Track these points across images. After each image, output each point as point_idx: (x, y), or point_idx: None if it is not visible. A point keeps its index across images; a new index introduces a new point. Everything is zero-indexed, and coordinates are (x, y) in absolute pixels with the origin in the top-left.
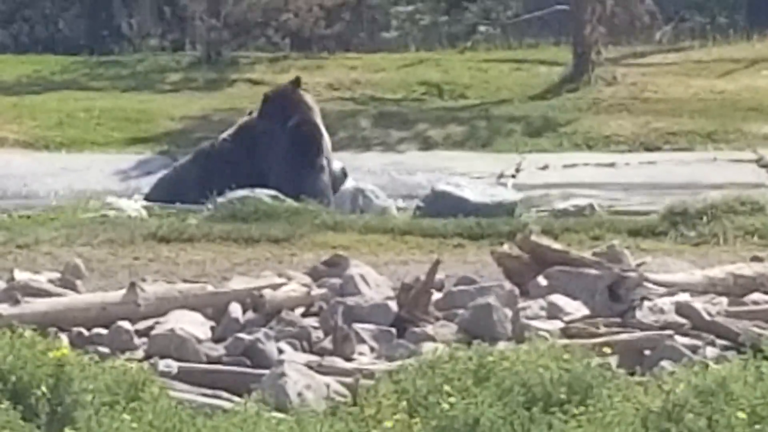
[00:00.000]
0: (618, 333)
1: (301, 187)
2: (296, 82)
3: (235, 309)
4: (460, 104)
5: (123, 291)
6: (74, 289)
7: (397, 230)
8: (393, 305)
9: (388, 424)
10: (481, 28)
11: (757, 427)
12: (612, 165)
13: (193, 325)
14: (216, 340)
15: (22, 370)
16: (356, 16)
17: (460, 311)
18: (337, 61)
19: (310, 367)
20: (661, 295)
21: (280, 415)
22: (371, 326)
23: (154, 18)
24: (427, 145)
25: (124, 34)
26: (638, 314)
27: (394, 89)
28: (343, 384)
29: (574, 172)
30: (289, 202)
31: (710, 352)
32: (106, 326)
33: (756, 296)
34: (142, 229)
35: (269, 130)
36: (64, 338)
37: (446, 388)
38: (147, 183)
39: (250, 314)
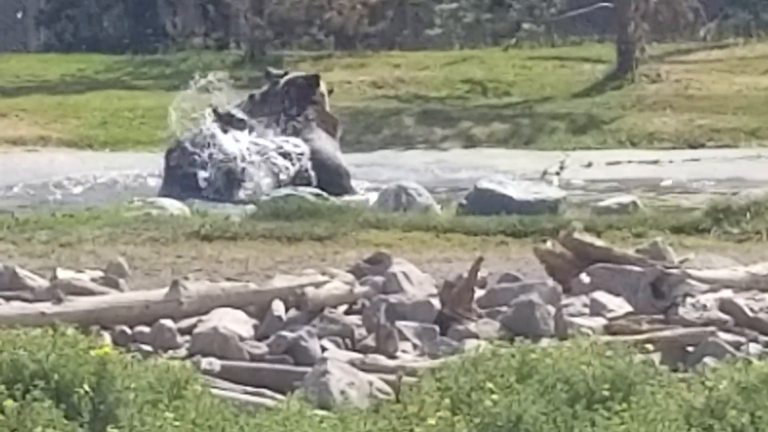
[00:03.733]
0: (661, 330)
1: None
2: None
3: (278, 307)
4: (503, 102)
5: (166, 289)
6: (117, 287)
7: (440, 228)
8: (436, 303)
9: (431, 421)
10: (525, 26)
11: None
12: (656, 162)
13: (235, 323)
14: (259, 338)
15: (64, 369)
16: (400, 14)
17: (503, 308)
18: (381, 59)
19: (353, 365)
20: (704, 292)
21: (323, 413)
22: (414, 324)
23: (198, 17)
24: (470, 142)
25: (168, 32)
26: (681, 311)
27: (438, 87)
28: (386, 381)
29: (617, 170)
30: (333, 200)
31: (753, 348)
32: (148, 324)
33: None
34: (185, 228)
35: None
36: (106, 336)
37: (489, 385)
38: None
39: (292, 312)
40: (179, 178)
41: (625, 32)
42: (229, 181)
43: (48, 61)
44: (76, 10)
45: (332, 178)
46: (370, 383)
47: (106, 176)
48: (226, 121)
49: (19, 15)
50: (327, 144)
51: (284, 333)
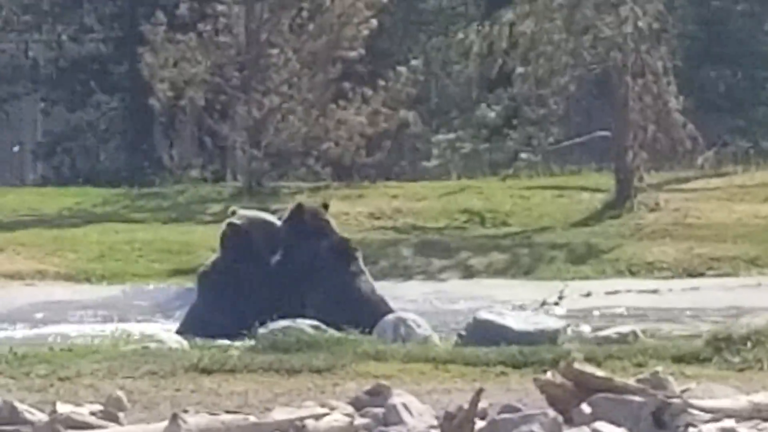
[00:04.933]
0: None
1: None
2: (325, 207)
3: None
4: (502, 232)
5: (165, 423)
6: (116, 421)
7: (439, 359)
8: None
9: None
10: (523, 155)
11: None
12: (655, 291)
13: None
14: None
15: None
16: (397, 145)
17: None
18: (379, 189)
19: None
20: (706, 422)
21: None
22: None
23: (194, 149)
24: (469, 273)
25: (164, 165)
26: None
27: (436, 217)
28: None
29: (617, 299)
30: (331, 332)
31: None
32: None
33: None
34: (183, 361)
35: (304, 244)
36: None
37: None
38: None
39: None
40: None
41: (623, 161)
42: None
43: (45, 194)
44: (73, 144)
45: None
46: None
47: (103, 309)
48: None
49: (16, 149)
50: (367, 285)
51: None
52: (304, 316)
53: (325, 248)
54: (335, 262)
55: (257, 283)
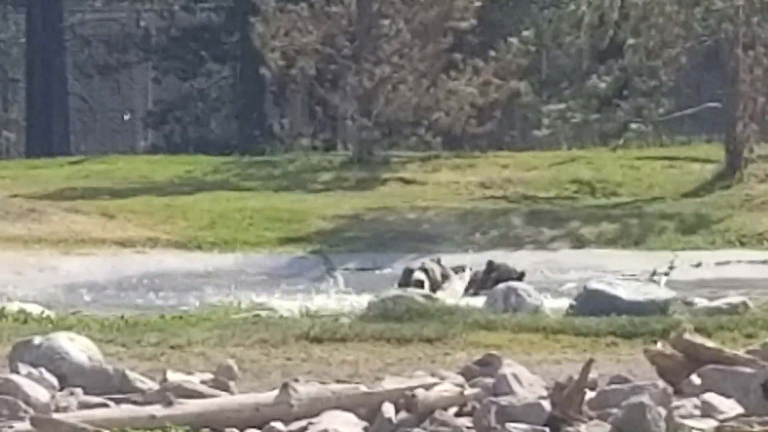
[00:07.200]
0: None
1: None
2: None
3: (388, 409)
4: (612, 202)
5: (276, 392)
6: (227, 389)
7: (549, 329)
8: (546, 404)
9: None
10: (633, 126)
11: None
12: (765, 262)
13: (346, 425)
14: None
15: None
16: (508, 115)
17: (614, 410)
18: (489, 159)
19: None
20: None
21: None
22: (524, 426)
23: (305, 118)
24: (579, 243)
25: (275, 134)
26: None
27: (546, 187)
28: None
29: (727, 270)
30: (441, 301)
31: None
32: (259, 427)
33: None
34: (294, 329)
35: None
36: None
37: None
38: (299, 282)
39: (403, 414)
40: None
41: (734, 132)
42: None
43: (155, 162)
44: (184, 112)
45: None
46: None
47: (215, 277)
48: None
49: (127, 117)
50: None
51: None
52: None
53: None
54: None
55: None
